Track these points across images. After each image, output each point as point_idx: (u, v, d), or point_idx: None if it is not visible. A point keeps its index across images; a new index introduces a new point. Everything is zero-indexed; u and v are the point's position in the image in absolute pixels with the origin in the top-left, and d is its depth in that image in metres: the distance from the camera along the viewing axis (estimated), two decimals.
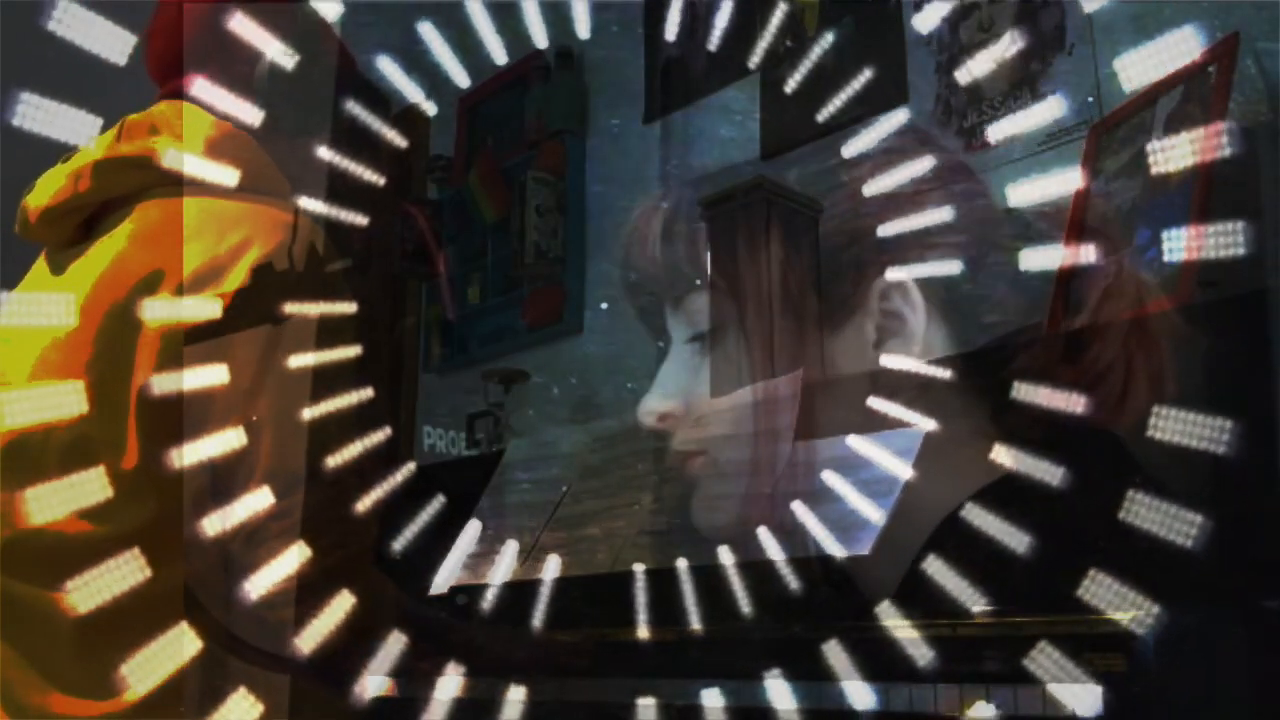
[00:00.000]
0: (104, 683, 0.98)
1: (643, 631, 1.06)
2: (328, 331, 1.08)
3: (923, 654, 0.83)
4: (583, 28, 1.60)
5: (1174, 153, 1.04)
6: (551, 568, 1.24)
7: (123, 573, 0.99)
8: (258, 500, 1.02)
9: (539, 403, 2.32)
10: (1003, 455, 0.95)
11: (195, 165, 1.12)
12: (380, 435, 1.11)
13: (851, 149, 1.15)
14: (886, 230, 1.10)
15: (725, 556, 1.05)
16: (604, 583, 1.17)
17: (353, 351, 1.09)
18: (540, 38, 1.51)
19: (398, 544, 1.23)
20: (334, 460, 1.05)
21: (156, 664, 0.99)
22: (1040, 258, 1.10)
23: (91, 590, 0.98)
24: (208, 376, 1.03)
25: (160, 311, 1.02)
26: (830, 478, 1.00)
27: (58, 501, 0.99)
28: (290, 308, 1.05)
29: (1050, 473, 0.90)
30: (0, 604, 1.03)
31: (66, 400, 1.02)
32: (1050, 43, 1.64)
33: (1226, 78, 1.10)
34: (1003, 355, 1.05)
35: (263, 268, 1.05)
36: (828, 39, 1.94)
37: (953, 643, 0.82)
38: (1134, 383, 0.94)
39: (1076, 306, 1.15)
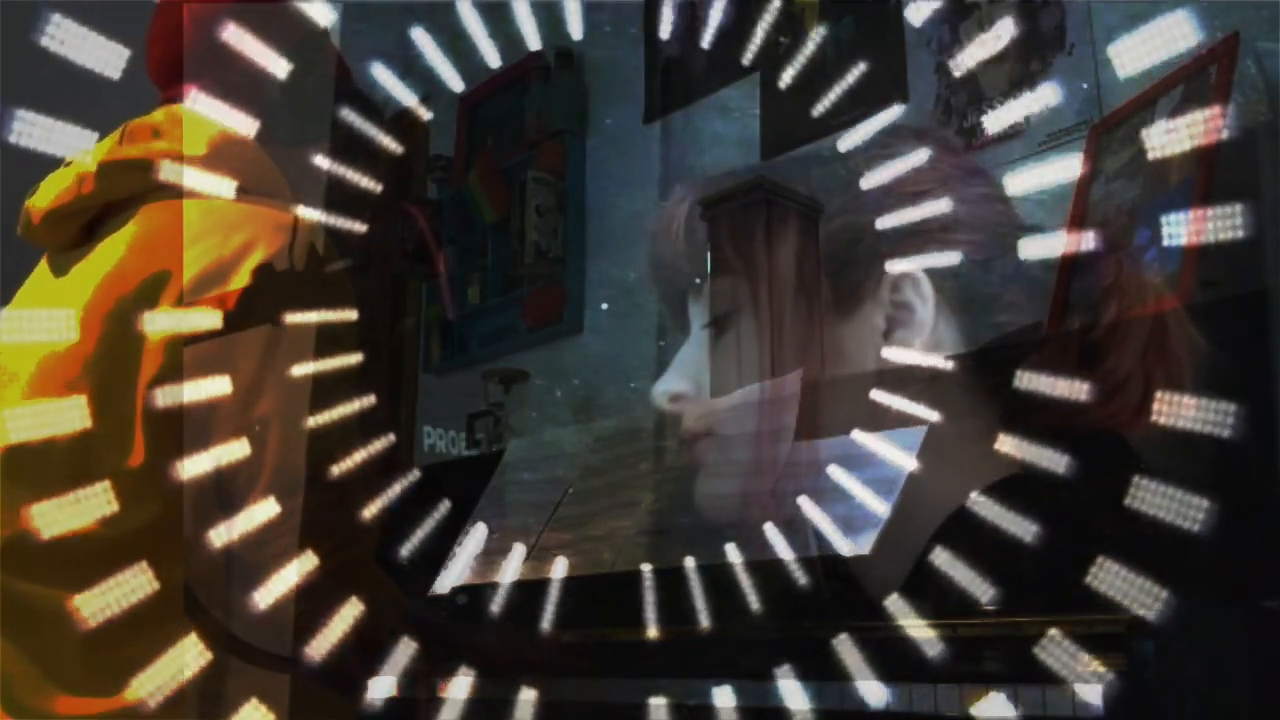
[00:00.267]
0: (106, 681, 0.98)
1: (643, 631, 1.06)
2: (329, 331, 1.08)
3: (923, 653, 0.83)
4: (576, 28, 1.61)
5: (1174, 137, 1.04)
6: (550, 568, 1.24)
7: (127, 575, 0.99)
8: (261, 500, 1.02)
9: (539, 403, 2.32)
10: (1007, 455, 0.96)
11: (197, 168, 1.12)
12: (381, 436, 1.11)
13: (861, 152, 1.16)
14: (894, 221, 1.11)
15: (723, 556, 1.05)
16: (604, 583, 1.18)
17: (354, 352, 1.09)
18: (534, 39, 1.51)
19: (398, 544, 1.23)
20: (336, 461, 1.05)
21: (158, 664, 1.00)
22: (1039, 246, 1.11)
23: (100, 602, 0.98)
24: (211, 376, 1.03)
25: (163, 323, 1.02)
26: (835, 471, 1.00)
27: (64, 515, 1.00)
28: (292, 308, 1.05)
29: (1054, 474, 0.90)
30: (3, 601, 1.03)
31: (69, 415, 1.02)
32: (1050, 43, 1.64)
33: (1226, 78, 1.10)
34: (1010, 354, 1.05)
35: (265, 269, 1.05)
36: (827, 38, 1.94)
37: (953, 643, 0.82)
38: (1152, 394, 0.94)
39: (1077, 306, 1.15)
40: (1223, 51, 1.12)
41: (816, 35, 1.96)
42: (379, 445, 1.11)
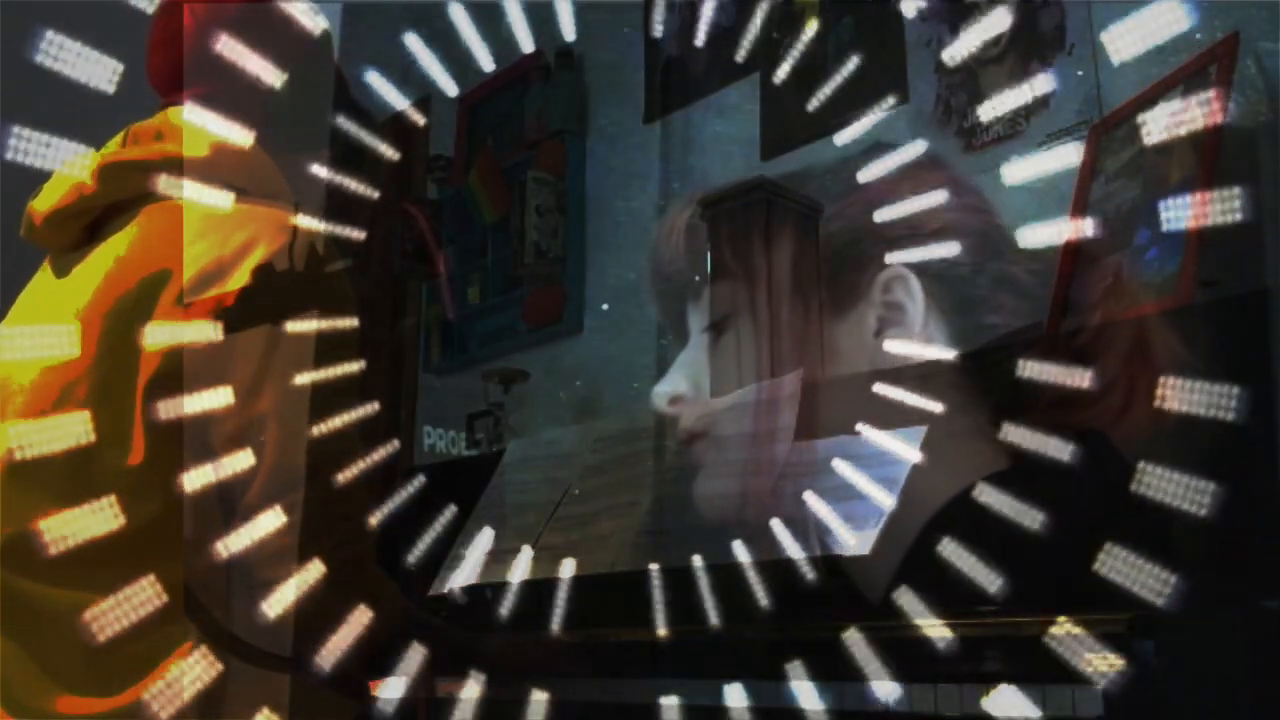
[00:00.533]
0: (107, 681, 0.98)
1: (642, 632, 1.06)
2: (329, 330, 1.08)
3: (923, 653, 0.83)
4: (568, 29, 1.61)
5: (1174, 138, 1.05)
6: (550, 568, 1.24)
7: (135, 587, 1.00)
8: (260, 497, 1.02)
9: (540, 403, 2.32)
10: (999, 456, 0.96)
11: (199, 170, 1.12)
12: (380, 435, 1.11)
13: (869, 174, 1.19)
14: (885, 215, 1.13)
15: (722, 556, 1.05)
16: (605, 582, 1.18)
17: (354, 349, 1.09)
18: (527, 42, 1.52)
19: (397, 544, 1.23)
20: (334, 459, 1.05)
21: (159, 664, 1.00)
22: (1038, 235, 1.12)
23: (112, 616, 0.98)
24: (211, 374, 1.03)
25: (162, 336, 1.03)
26: (839, 465, 1.01)
27: (71, 527, 1.00)
28: (292, 308, 1.05)
29: (1043, 471, 0.90)
30: (4, 599, 1.03)
31: (74, 430, 1.02)
32: (1050, 43, 1.64)
33: (1226, 78, 1.10)
34: (1002, 355, 1.06)
35: (265, 268, 1.05)
36: (827, 38, 1.94)
37: (953, 643, 0.82)
38: (1137, 397, 0.95)
39: (1077, 307, 1.15)
40: (1223, 51, 1.12)
41: (816, 35, 1.96)
42: (378, 444, 1.11)
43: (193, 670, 1.00)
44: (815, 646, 0.89)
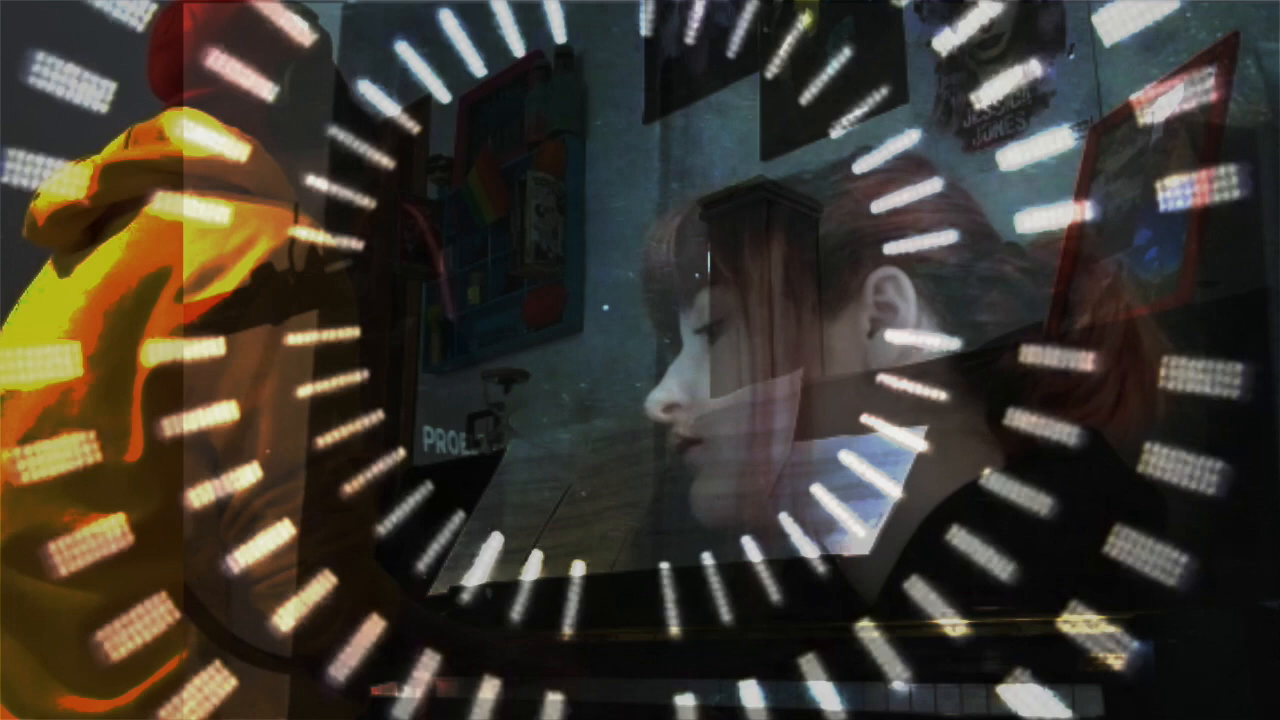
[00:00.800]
0: (107, 680, 0.98)
1: (642, 632, 1.06)
2: (329, 323, 1.08)
3: (922, 653, 0.83)
4: (559, 32, 1.62)
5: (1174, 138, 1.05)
6: (550, 568, 1.24)
7: (147, 606, 1.00)
8: (257, 488, 1.01)
9: (540, 403, 2.32)
10: (994, 453, 0.97)
11: (200, 169, 1.12)
12: (379, 427, 1.11)
13: (865, 164, 1.19)
14: (875, 208, 1.16)
15: (722, 557, 1.05)
16: (604, 582, 1.18)
17: (353, 345, 1.09)
18: (518, 46, 1.52)
19: (396, 544, 1.23)
20: (333, 451, 1.05)
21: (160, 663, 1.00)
22: (1035, 219, 1.12)
23: (124, 634, 0.98)
24: (210, 372, 1.03)
25: (164, 353, 1.03)
26: (846, 456, 1.01)
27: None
28: (292, 305, 1.05)
29: (1041, 472, 0.90)
30: (6, 598, 1.03)
31: (75, 450, 1.03)
32: (1050, 43, 1.64)
33: (1226, 78, 1.10)
34: (996, 356, 1.07)
35: (265, 267, 1.05)
36: (827, 38, 1.94)
37: (953, 643, 0.82)
38: (1128, 395, 0.96)
39: (1077, 307, 1.15)
40: (1223, 51, 1.12)
41: (816, 36, 1.96)
42: (377, 441, 1.10)
43: (193, 670, 1.00)
44: (815, 647, 0.89)
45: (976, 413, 1.03)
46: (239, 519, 1.02)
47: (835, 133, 1.27)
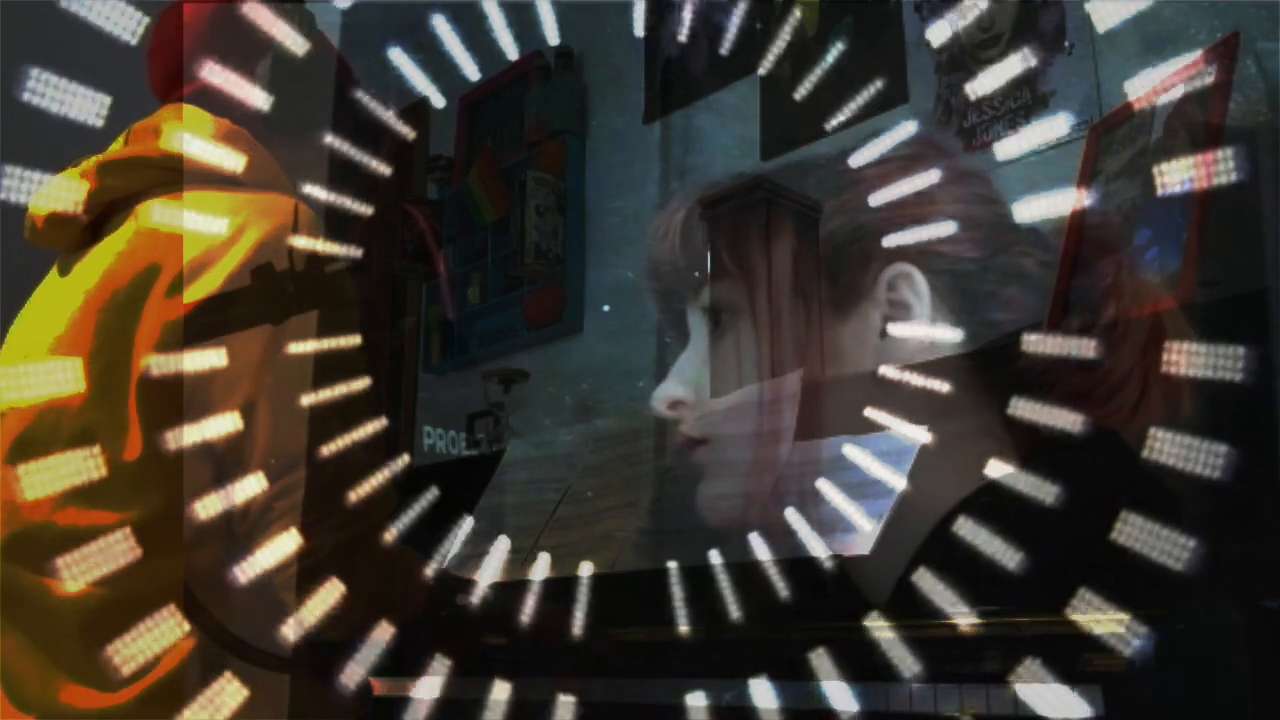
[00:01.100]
0: (110, 675, 0.98)
1: (642, 632, 1.06)
2: (328, 319, 1.08)
3: (923, 653, 0.83)
4: (552, 34, 1.62)
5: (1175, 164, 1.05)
6: (551, 568, 1.24)
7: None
8: (257, 483, 1.01)
9: (540, 403, 2.32)
10: (1006, 455, 0.96)
11: (198, 163, 1.13)
12: (379, 421, 1.10)
13: (861, 157, 1.18)
14: (889, 196, 1.13)
15: (723, 557, 1.05)
16: (603, 583, 1.17)
17: (353, 339, 1.09)
18: (511, 50, 1.52)
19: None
20: (333, 444, 1.04)
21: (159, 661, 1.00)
22: (1034, 208, 1.11)
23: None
24: (209, 371, 1.03)
25: (167, 366, 1.03)
26: (850, 450, 1.01)
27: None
28: (293, 307, 1.05)
29: (1053, 473, 0.90)
30: (8, 595, 1.03)
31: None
32: (1050, 43, 1.64)
33: (1226, 78, 1.10)
34: (1008, 354, 1.06)
35: (265, 267, 1.05)
36: (827, 38, 1.94)
37: (953, 643, 0.82)
38: (1149, 395, 0.94)
39: (1076, 305, 1.15)
40: (1223, 51, 1.12)
41: (816, 35, 1.96)
42: (377, 429, 1.10)
43: (191, 665, 1.00)
44: (819, 645, 0.89)
45: (990, 413, 1.02)
46: (249, 514, 1.01)
47: (834, 131, 1.26)
